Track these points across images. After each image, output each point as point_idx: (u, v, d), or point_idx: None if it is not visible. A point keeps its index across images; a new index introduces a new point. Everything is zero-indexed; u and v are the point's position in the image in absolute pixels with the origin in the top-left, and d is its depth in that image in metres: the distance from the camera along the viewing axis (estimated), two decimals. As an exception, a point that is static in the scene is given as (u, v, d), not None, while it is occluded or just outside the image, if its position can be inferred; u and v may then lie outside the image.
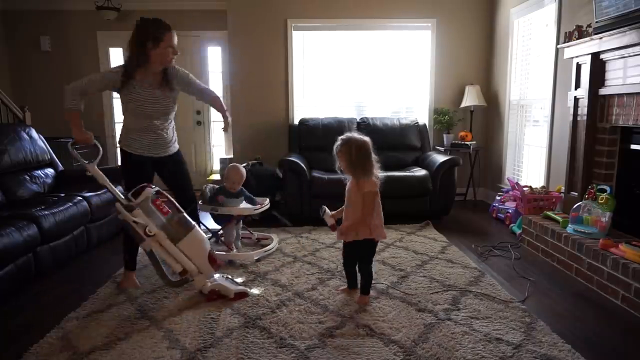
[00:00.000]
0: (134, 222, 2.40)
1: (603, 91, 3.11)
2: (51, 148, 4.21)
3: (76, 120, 2.64)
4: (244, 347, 2.08)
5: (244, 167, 4.60)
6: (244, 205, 3.40)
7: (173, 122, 2.90)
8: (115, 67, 2.67)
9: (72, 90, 2.58)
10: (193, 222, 2.58)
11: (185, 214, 2.57)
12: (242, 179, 3.39)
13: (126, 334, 2.23)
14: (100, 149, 2.83)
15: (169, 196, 2.59)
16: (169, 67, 2.67)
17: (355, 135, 2.51)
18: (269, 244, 3.50)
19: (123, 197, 2.55)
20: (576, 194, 3.35)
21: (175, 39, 2.61)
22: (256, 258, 3.25)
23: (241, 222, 3.59)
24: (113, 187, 2.58)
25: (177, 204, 2.59)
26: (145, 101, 2.64)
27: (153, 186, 2.54)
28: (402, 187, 4.32)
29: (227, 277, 2.75)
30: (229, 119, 2.94)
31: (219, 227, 3.50)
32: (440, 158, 4.51)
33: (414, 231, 4.01)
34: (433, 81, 5.33)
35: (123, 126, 2.77)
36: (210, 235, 3.41)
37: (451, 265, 3.15)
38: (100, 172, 2.61)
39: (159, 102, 2.69)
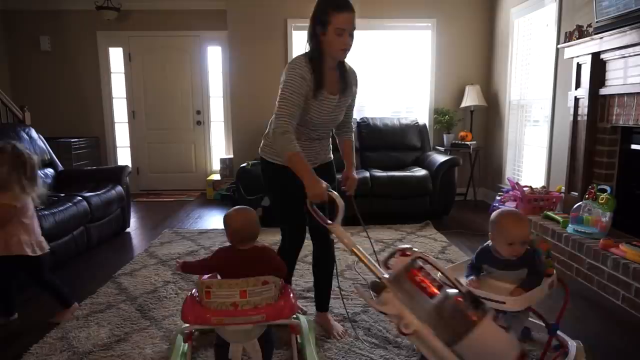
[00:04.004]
0: (382, 312, 1.49)
1: (603, 91, 3.11)
2: (51, 148, 4.21)
3: (303, 163, 1.85)
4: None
5: (243, 167, 4.62)
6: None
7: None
8: (300, 63, 1.98)
9: (283, 133, 1.88)
10: (487, 306, 1.45)
11: (472, 292, 1.51)
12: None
13: (126, 334, 2.24)
14: (342, 204, 1.81)
15: (432, 260, 1.58)
16: (345, 64, 2.05)
17: None
18: None
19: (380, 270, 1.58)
20: (576, 194, 3.35)
21: (351, 22, 1.90)
22: None
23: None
24: (367, 257, 1.65)
25: (449, 276, 1.54)
26: (319, 105, 1.99)
27: (410, 248, 1.56)
28: (402, 187, 4.32)
29: None
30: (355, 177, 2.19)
31: None
32: (440, 158, 4.51)
33: (414, 231, 4.01)
34: (433, 81, 5.33)
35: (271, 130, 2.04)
36: None
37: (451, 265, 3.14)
38: (345, 233, 1.74)
39: (333, 108, 2.04)
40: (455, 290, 1.45)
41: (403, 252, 1.54)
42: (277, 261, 1.73)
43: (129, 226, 4.27)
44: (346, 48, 1.94)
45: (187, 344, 1.81)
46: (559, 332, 1.97)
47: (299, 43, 5.25)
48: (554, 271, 1.92)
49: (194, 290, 1.68)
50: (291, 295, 1.71)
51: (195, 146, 6.19)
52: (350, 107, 2.20)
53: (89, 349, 2.10)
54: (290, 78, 1.93)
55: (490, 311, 1.42)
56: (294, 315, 1.99)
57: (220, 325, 1.60)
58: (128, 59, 5.96)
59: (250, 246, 1.71)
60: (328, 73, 2.00)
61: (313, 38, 1.98)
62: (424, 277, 1.50)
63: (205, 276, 1.79)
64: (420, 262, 1.55)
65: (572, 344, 1.97)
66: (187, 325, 1.68)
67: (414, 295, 1.47)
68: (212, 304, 1.57)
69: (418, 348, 1.52)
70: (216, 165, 6.10)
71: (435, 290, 1.46)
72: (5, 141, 2.34)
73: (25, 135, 3.90)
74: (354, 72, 2.13)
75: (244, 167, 4.55)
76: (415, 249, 1.56)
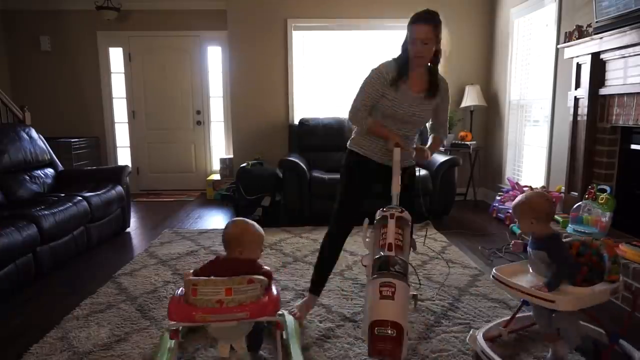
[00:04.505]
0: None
1: (603, 91, 3.11)
2: (51, 148, 4.22)
3: (379, 127, 2.29)
4: (244, 347, 2.08)
5: (243, 166, 4.62)
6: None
7: (416, 138, 2.45)
8: (384, 63, 2.35)
9: (355, 114, 2.30)
10: (395, 280, 1.68)
11: (399, 262, 1.77)
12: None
13: (126, 334, 2.24)
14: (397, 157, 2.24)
15: (391, 224, 1.93)
16: (437, 72, 2.32)
17: None
18: None
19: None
20: (576, 194, 3.35)
21: (423, 33, 2.19)
22: None
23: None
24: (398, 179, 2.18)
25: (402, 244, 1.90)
26: (400, 96, 2.25)
27: (396, 208, 2.01)
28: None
29: None
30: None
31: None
32: (440, 158, 4.51)
33: (414, 231, 4.00)
34: (433, 81, 5.32)
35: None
36: None
37: (451, 265, 3.15)
38: (398, 180, 2.21)
39: (417, 106, 2.28)
40: (388, 253, 1.81)
41: (393, 207, 2.02)
42: (264, 271, 1.77)
43: (129, 226, 4.27)
44: (417, 55, 2.23)
45: (173, 340, 1.80)
46: (623, 343, 1.91)
47: (299, 43, 5.26)
48: (620, 278, 1.85)
49: (179, 290, 1.70)
50: (275, 293, 1.75)
51: (195, 146, 6.19)
52: (441, 110, 2.40)
53: (89, 349, 2.10)
54: (370, 74, 2.31)
55: (379, 280, 1.71)
56: (279, 313, 2.11)
57: (204, 322, 1.63)
58: (128, 59, 5.96)
59: (238, 255, 1.79)
60: (415, 73, 2.29)
61: (403, 44, 2.34)
62: (383, 232, 1.91)
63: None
64: (393, 221, 1.94)
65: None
66: (174, 322, 1.68)
67: (375, 239, 1.95)
68: (197, 302, 1.60)
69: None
70: (216, 165, 6.10)
71: (384, 245, 1.85)
72: None
73: (25, 135, 3.91)
74: (444, 80, 2.36)
75: (243, 167, 4.55)
76: (400, 213, 1.98)
